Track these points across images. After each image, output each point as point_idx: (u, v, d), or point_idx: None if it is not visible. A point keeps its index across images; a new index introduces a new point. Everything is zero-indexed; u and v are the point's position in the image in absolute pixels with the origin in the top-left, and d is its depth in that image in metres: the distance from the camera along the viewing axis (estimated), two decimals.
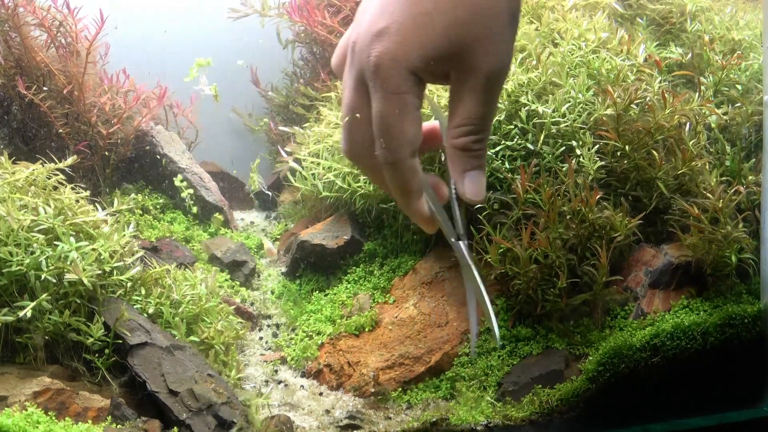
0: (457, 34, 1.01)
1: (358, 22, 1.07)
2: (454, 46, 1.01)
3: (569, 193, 1.63)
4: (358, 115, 1.09)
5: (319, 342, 1.79)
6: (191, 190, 2.20)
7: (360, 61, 1.05)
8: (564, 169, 1.69)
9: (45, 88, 2.00)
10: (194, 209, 2.20)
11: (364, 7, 1.08)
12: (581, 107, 1.76)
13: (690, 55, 1.96)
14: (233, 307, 1.84)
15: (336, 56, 1.19)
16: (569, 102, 1.76)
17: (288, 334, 1.88)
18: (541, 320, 1.66)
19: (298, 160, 2.14)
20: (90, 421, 1.37)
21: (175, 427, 1.35)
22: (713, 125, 1.80)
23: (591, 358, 1.51)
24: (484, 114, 1.08)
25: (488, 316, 1.23)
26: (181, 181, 2.19)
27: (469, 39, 1.02)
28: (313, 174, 2.05)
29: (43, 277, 1.45)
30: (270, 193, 2.39)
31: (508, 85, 1.82)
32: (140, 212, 2.14)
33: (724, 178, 1.70)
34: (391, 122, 1.05)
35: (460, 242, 1.24)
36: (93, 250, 1.54)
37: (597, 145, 1.71)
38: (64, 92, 2.02)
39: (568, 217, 1.61)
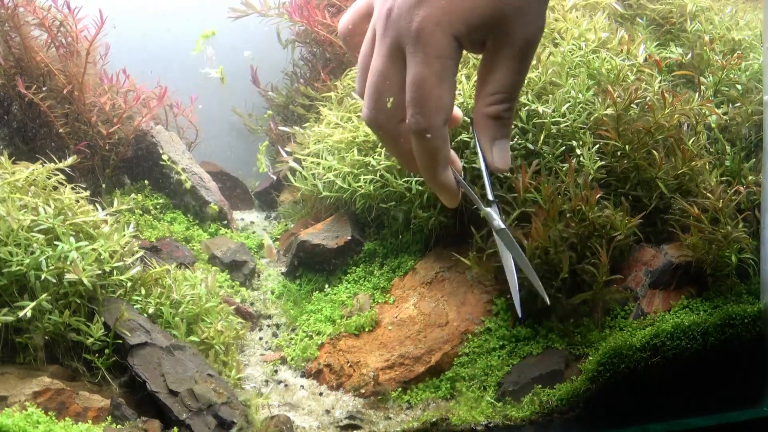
0: (502, 7, 1.03)
1: None
2: (496, 12, 1.04)
3: (569, 193, 1.63)
4: (388, 82, 1.09)
5: (319, 342, 1.78)
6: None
7: (399, 27, 1.06)
8: (564, 168, 1.69)
9: (45, 88, 2.00)
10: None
11: None
12: (581, 107, 1.76)
13: (690, 55, 1.96)
14: (233, 307, 1.84)
15: (349, 20, 1.20)
16: (569, 102, 1.76)
17: (288, 334, 1.88)
18: (541, 320, 1.66)
19: (298, 160, 2.14)
20: (90, 421, 1.37)
21: (175, 427, 1.35)
22: (713, 125, 1.80)
23: (591, 358, 1.51)
24: (517, 82, 1.11)
25: (532, 277, 1.22)
26: (182, 170, 2.19)
27: (510, 5, 1.04)
28: (313, 174, 2.05)
29: (43, 277, 1.44)
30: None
31: None
32: (140, 212, 2.14)
33: (724, 178, 1.70)
34: (430, 87, 1.07)
35: (493, 207, 1.24)
36: (93, 250, 1.54)
37: (597, 145, 1.71)
38: (64, 92, 2.02)
39: (568, 215, 1.61)
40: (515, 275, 1.27)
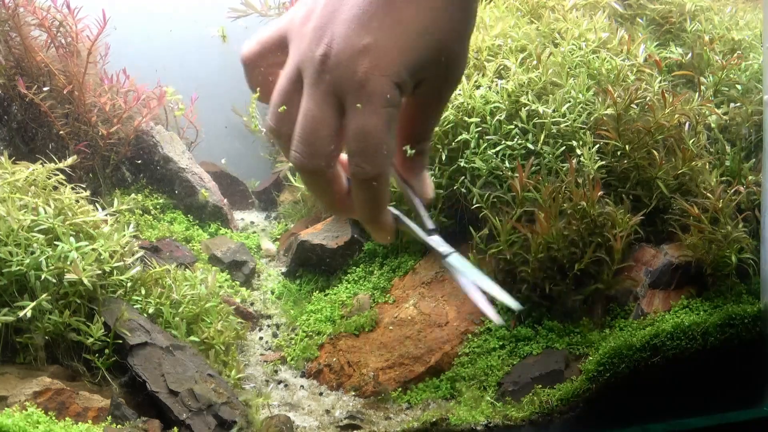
0: (438, 48, 1.05)
1: (319, 32, 1.06)
2: (435, 58, 1.04)
3: (570, 192, 1.63)
4: (325, 130, 1.10)
5: (319, 342, 1.78)
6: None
7: (339, 75, 1.05)
8: (564, 168, 1.69)
9: (45, 89, 2.00)
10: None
11: (311, 11, 1.09)
12: (581, 107, 1.76)
13: (690, 55, 1.96)
14: (233, 307, 1.84)
15: (256, 50, 1.19)
16: (569, 102, 1.76)
17: (288, 334, 1.87)
18: (541, 320, 1.66)
19: None
20: (90, 421, 1.37)
21: (175, 427, 1.35)
22: (713, 125, 1.80)
23: (591, 358, 1.51)
24: (439, 118, 1.15)
25: (496, 291, 1.23)
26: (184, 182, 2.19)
27: (446, 52, 1.05)
28: None
29: (43, 277, 1.44)
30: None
31: (509, 85, 1.82)
32: (140, 212, 2.14)
33: (724, 178, 1.70)
34: (379, 137, 1.07)
35: (435, 235, 1.26)
36: (93, 250, 1.54)
37: (597, 145, 1.71)
38: (65, 92, 2.02)
39: (569, 213, 1.61)
40: (479, 293, 1.27)
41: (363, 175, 1.09)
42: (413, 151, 1.15)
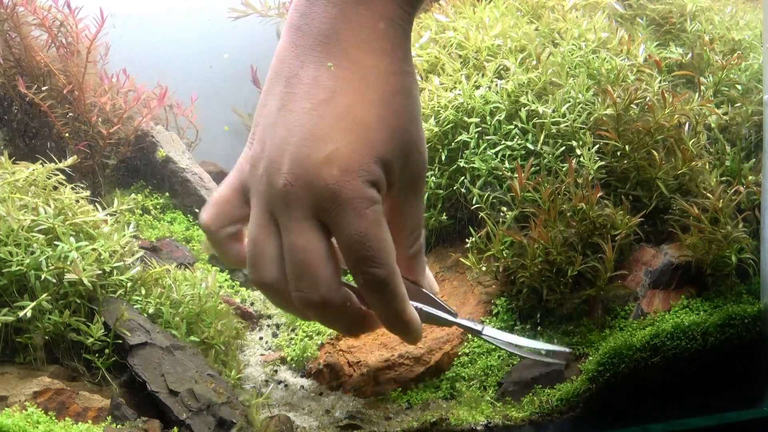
0: (401, 138, 1.04)
1: (275, 169, 1.02)
2: (399, 150, 1.02)
3: (569, 192, 1.63)
4: (323, 257, 1.08)
5: (319, 342, 1.79)
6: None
7: (312, 195, 1.00)
8: (564, 169, 1.69)
9: (45, 88, 2.00)
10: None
11: (258, 154, 1.06)
12: (581, 107, 1.76)
13: (690, 55, 1.96)
14: (233, 307, 1.84)
15: (216, 212, 1.17)
16: (569, 102, 1.76)
17: (288, 334, 1.87)
18: (542, 321, 1.66)
19: None
20: (90, 421, 1.37)
21: (175, 427, 1.35)
22: (713, 125, 1.80)
23: (591, 358, 1.51)
24: (422, 214, 1.14)
25: (530, 348, 1.33)
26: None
27: (409, 142, 1.05)
28: None
29: (43, 277, 1.44)
30: None
31: (509, 85, 1.82)
32: (140, 212, 2.14)
33: (724, 178, 1.70)
34: (375, 237, 1.04)
35: (459, 318, 1.32)
36: (93, 250, 1.54)
37: (597, 145, 1.71)
38: (65, 92, 2.02)
39: (568, 214, 1.61)
40: (521, 350, 1.35)
41: (375, 281, 1.05)
42: (416, 247, 1.13)
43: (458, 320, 1.30)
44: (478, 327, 1.31)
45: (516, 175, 1.67)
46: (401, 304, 1.11)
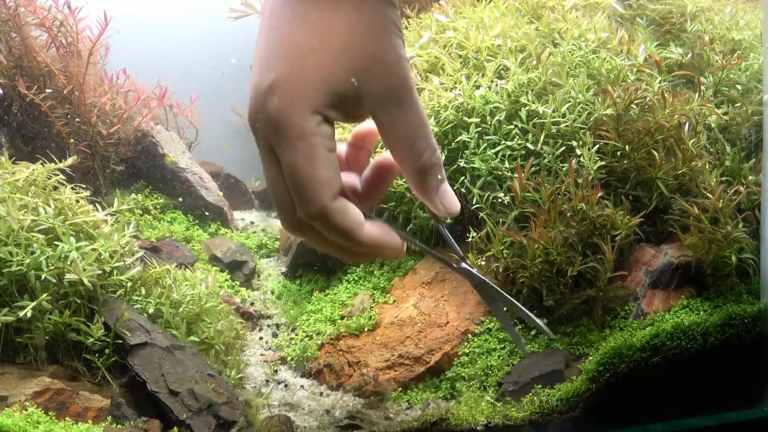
0: (350, 59, 0.98)
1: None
2: (351, 72, 0.98)
3: (569, 193, 1.63)
4: (278, 185, 1.04)
5: (319, 342, 1.79)
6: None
7: (262, 126, 1.00)
8: (564, 169, 1.69)
9: (48, 90, 2.00)
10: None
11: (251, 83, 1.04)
12: (581, 107, 1.76)
13: (690, 55, 1.96)
14: (233, 307, 1.84)
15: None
16: (569, 102, 1.76)
17: (288, 334, 1.88)
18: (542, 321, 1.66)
19: None
20: (90, 421, 1.37)
21: (175, 427, 1.35)
22: (713, 125, 1.80)
23: (591, 358, 1.51)
24: (420, 125, 1.07)
25: (525, 316, 1.27)
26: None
27: (371, 56, 0.99)
28: None
29: (43, 277, 1.45)
30: None
31: (509, 85, 1.82)
32: (140, 212, 2.14)
33: (724, 178, 1.70)
34: (302, 171, 1.01)
35: (464, 264, 1.26)
36: (93, 250, 1.54)
37: (597, 146, 1.71)
38: (65, 92, 2.02)
39: (569, 215, 1.61)
40: (509, 320, 1.30)
41: (306, 216, 1.02)
42: (418, 164, 1.08)
43: (462, 266, 1.26)
44: (481, 278, 1.26)
45: (516, 176, 1.67)
46: (350, 235, 1.06)
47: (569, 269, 1.58)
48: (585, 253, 1.60)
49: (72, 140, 2.01)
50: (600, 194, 1.61)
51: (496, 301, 1.28)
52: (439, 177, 1.12)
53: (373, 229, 1.11)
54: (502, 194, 1.71)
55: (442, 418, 1.44)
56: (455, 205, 1.16)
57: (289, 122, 0.97)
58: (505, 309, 1.31)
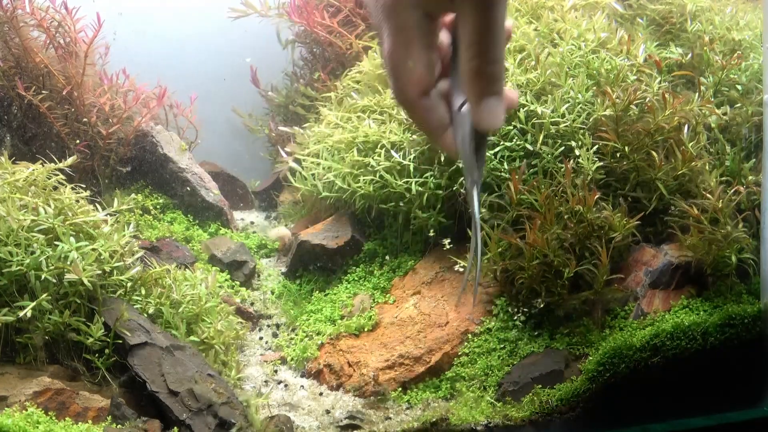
0: None
1: None
2: None
3: (566, 194, 1.63)
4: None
5: (319, 342, 1.78)
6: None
7: (375, 13, 1.09)
8: (563, 170, 1.68)
9: (45, 92, 2.00)
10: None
11: None
12: (580, 107, 1.76)
13: (690, 55, 1.95)
14: (233, 307, 1.84)
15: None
16: (568, 102, 1.76)
17: (288, 334, 1.87)
18: (542, 321, 1.66)
19: (298, 160, 2.14)
20: (90, 421, 1.37)
21: (175, 427, 1.35)
22: (713, 125, 1.80)
23: (591, 358, 1.51)
24: (491, 31, 1.11)
25: (474, 268, 1.25)
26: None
27: None
28: (313, 174, 2.05)
29: (43, 277, 1.44)
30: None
31: (508, 86, 1.82)
32: (140, 212, 2.14)
33: (724, 179, 1.70)
34: (396, 61, 1.08)
35: (474, 189, 1.26)
36: (93, 250, 1.54)
37: (596, 146, 1.71)
38: (64, 93, 2.02)
39: (566, 216, 1.61)
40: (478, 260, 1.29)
41: (395, 99, 1.10)
42: (473, 64, 1.12)
43: (471, 188, 1.27)
44: (474, 196, 1.27)
45: (509, 182, 1.67)
46: (427, 133, 1.14)
47: (565, 271, 1.58)
48: (583, 255, 1.60)
49: (71, 140, 2.01)
50: (597, 195, 1.61)
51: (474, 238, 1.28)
52: (490, 87, 1.15)
53: (447, 142, 1.18)
54: (497, 196, 1.71)
55: (442, 418, 1.44)
56: (495, 119, 1.21)
57: (393, 12, 1.03)
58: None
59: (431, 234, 1.84)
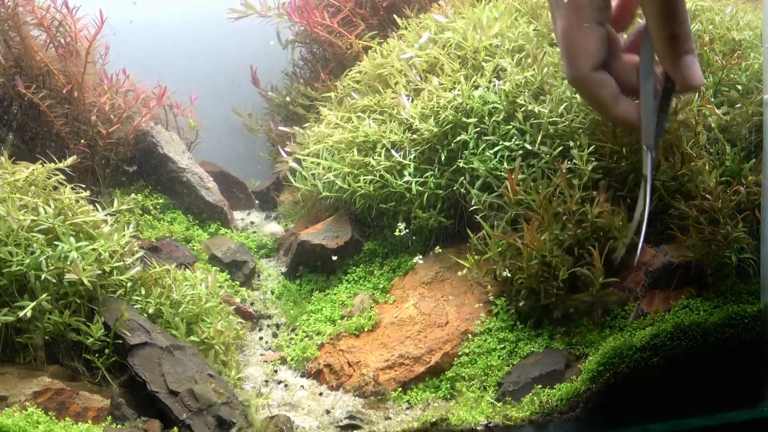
0: None
1: None
2: None
3: (564, 195, 1.63)
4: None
5: (319, 342, 1.78)
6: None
7: None
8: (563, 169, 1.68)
9: (44, 90, 2.00)
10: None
11: None
12: (578, 107, 1.76)
13: None
14: (233, 307, 1.84)
15: None
16: (566, 102, 1.76)
17: (288, 334, 1.88)
18: (541, 321, 1.66)
19: (298, 160, 2.14)
20: (90, 421, 1.37)
21: (175, 427, 1.35)
22: (713, 125, 1.80)
23: (591, 358, 1.51)
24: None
25: (639, 227, 1.32)
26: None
27: None
28: (313, 174, 2.05)
29: (43, 277, 1.45)
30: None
31: (506, 86, 1.82)
32: (140, 212, 2.14)
33: (724, 179, 1.69)
34: (569, 36, 1.12)
35: (650, 154, 1.32)
36: (93, 250, 1.54)
37: (593, 147, 1.70)
38: (64, 92, 2.02)
39: (564, 217, 1.61)
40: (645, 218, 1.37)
41: (567, 75, 1.13)
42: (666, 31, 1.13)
43: (647, 152, 1.33)
44: (648, 161, 1.35)
45: (512, 177, 1.67)
46: (599, 108, 1.19)
47: (560, 274, 1.58)
48: (582, 256, 1.60)
49: (71, 139, 2.01)
50: (604, 196, 1.61)
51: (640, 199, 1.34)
52: (684, 46, 1.19)
53: (628, 108, 1.21)
54: (496, 196, 1.71)
55: (442, 418, 1.44)
56: (695, 76, 1.26)
57: None
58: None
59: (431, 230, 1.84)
